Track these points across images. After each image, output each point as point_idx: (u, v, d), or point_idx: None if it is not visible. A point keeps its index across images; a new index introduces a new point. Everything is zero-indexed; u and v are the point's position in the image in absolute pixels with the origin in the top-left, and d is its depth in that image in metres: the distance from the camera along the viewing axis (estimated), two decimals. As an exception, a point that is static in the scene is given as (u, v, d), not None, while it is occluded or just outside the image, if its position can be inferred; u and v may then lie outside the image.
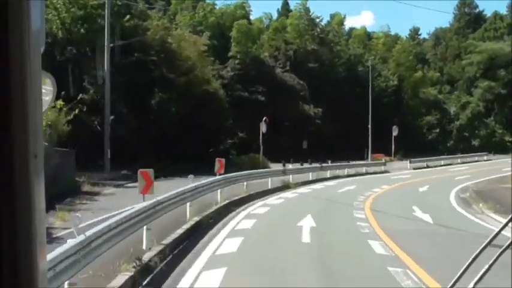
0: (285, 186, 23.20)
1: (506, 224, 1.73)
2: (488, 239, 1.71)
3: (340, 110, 57.27)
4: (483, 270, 1.70)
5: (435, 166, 45.35)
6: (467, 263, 1.72)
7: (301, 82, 54.66)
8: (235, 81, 54.83)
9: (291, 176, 24.43)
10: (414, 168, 42.23)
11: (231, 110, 52.57)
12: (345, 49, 60.89)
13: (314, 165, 29.21)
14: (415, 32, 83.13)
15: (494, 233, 1.73)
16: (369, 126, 52.52)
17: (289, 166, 25.63)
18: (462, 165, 47.65)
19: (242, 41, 54.92)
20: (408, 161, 43.04)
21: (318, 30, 60.52)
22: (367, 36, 70.68)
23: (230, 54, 54.82)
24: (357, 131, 56.89)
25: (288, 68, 56.73)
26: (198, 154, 43.07)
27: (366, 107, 54.93)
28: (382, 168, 38.41)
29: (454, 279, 1.79)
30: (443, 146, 64.49)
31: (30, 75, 0.95)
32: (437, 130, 66.38)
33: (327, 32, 60.31)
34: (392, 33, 72.94)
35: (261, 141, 34.83)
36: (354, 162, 36.25)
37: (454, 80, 73.33)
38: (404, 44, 69.63)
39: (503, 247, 1.69)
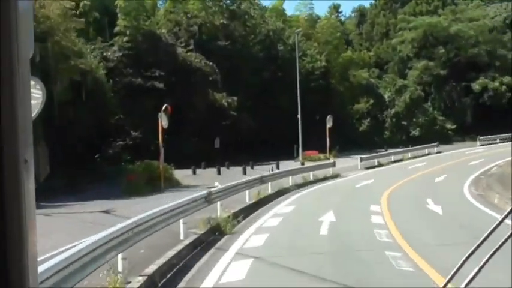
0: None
1: (502, 220, 1.68)
2: (486, 234, 1.68)
3: (261, 98, 47.94)
4: (478, 266, 1.69)
5: (387, 163, 37.05)
6: (462, 260, 1.70)
7: (210, 63, 44.44)
8: (125, 64, 43.81)
9: (219, 204, 14.07)
10: (366, 168, 33.57)
11: (120, 102, 41.88)
12: (261, 23, 51.25)
13: (253, 176, 19.11)
14: (335, 9, 75.38)
15: (491, 228, 1.68)
16: (298, 116, 43.39)
17: (216, 185, 15.22)
18: (416, 160, 39.92)
19: (132, 12, 43.83)
20: (358, 159, 34.29)
21: (228, 0, 50.48)
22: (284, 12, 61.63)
23: (116, 29, 43.57)
24: (283, 123, 47.76)
25: (192, 47, 46.32)
26: (74, 162, 32.14)
27: (291, 93, 46.01)
28: (331, 170, 29.22)
29: (448, 277, 1.78)
30: (379, 137, 56.79)
31: (19, 80, 0.97)
32: (368, 120, 58.55)
33: (238, 3, 50.33)
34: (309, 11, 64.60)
35: (160, 141, 24.34)
36: (296, 167, 26.56)
37: (382, 62, 66.13)
38: (329, 19, 61.23)
39: (500, 242, 1.67)
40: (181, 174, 31.23)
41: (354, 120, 58.82)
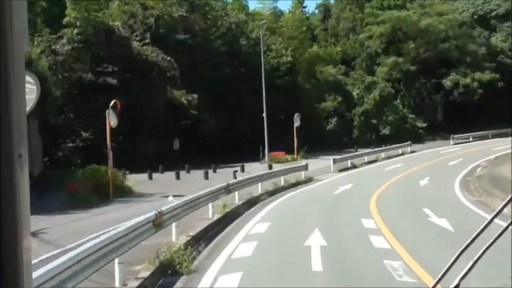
0: None
1: (492, 219, 1.70)
2: (476, 232, 1.67)
3: (223, 96, 44.93)
4: (468, 265, 1.68)
5: (361, 165, 34.59)
6: (453, 259, 1.71)
7: (168, 58, 41.12)
8: (75, 58, 40.16)
9: (174, 227, 10.84)
10: (340, 170, 30.90)
11: (70, 99, 38.23)
12: (223, 16, 48.08)
13: (217, 186, 15.86)
14: (299, 3, 72.58)
15: (483, 225, 1.67)
16: (264, 115, 40.48)
17: (170, 199, 12.03)
18: (390, 160, 37.66)
19: (83, 2, 40.15)
20: (331, 160, 31.53)
21: (187, -9, 47.22)
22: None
23: (66, 20, 39.85)
24: (247, 122, 44.85)
25: (148, 40, 42.86)
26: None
27: (255, 91, 43.09)
28: (303, 174, 26.36)
29: (439, 276, 1.78)
30: (347, 137, 54.36)
31: (14, 75, 0.98)
32: (336, 118, 56.03)
33: (198, -6, 47.14)
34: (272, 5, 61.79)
35: (108, 142, 21.01)
36: (266, 172, 23.34)
37: (349, 58, 63.77)
38: (294, 13, 58.42)
39: (490, 241, 1.68)
40: (136, 180, 27.93)
41: (322, 119, 56.21)
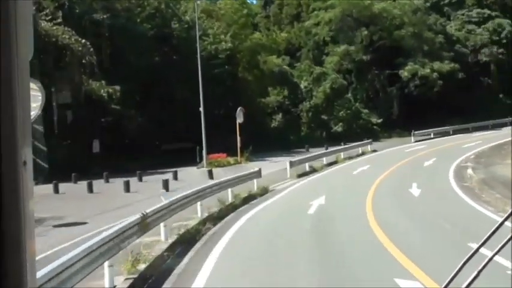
0: None
1: (502, 222, 1.67)
2: (485, 237, 1.68)
3: (152, 88, 38.15)
4: (478, 269, 1.68)
5: (322, 168, 28.93)
6: (462, 262, 1.70)
7: (83, 41, 33.99)
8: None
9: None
10: (299, 176, 24.98)
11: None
12: (150, -6, 41.28)
13: (124, 223, 9.15)
14: (237, -12, 66.32)
15: (491, 230, 1.66)
16: (201, 109, 34.03)
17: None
18: (353, 161, 32.36)
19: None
20: (288, 164, 25.60)
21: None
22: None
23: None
24: (181, 119, 38.41)
25: (59, 19, 35.43)
26: None
27: (190, 82, 36.86)
28: (255, 184, 20.11)
29: (448, 279, 1.78)
30: (295, 135, 48.69)
31: (18, 82, 0.99)
32: (281, 115, 50.23)
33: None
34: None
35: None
36: (207, 185, 16.51)
37: (293, 48, 58.10)
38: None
39: (500, 245, 1.67)
40: (38, 194, 20.67)
41: (266, 115, 50.27)
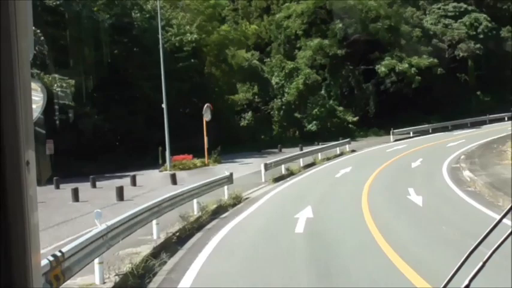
0: None
1: (500, 220, 1.70)
2: (485, 234, 1.70)
3: (109, 83, 34.58)
4: (478, 267, 1.70)
5: (299, 171, 26.02)
6: (461, 260, 1.71)
7: (33, 28, 29.90)
8: None
9: None
10: (275, 180, 22.02)
11: None
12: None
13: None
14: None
15: (489, 228, 1.70)
16: (163, 106, 30.83)
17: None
18: (332, 163, 29.66)
19: None
20: (262, 167, 22.55)
21: None
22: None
23: None
24: (142, 118, 35.15)
25: (4, 6, 31.48)
26: None
27: (153, 77, 33.67)
28: (226, 191, 16.88)
29: (448, 278, 1.79)
30: (266, 134, 45.78)
31: (20, 83, 1.00)
32: (250, 113, 47.22)
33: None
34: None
35: None
36: (168, 196, 13.09)
37: (263, 43, 55.05)
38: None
39: (498, 242, 1.68)
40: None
41: (235, 113, 47.17)
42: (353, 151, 35.54)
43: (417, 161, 27.62)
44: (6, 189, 0.97)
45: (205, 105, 33.20)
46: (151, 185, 24.58)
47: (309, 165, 28.56)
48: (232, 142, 41.32)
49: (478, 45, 55.34)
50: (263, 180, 22.55)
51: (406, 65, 46.73)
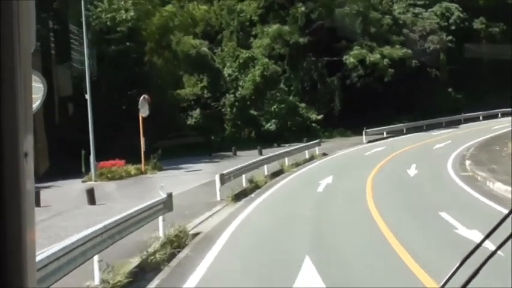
0: None
1: (504, 219, 1.70)
2: (481, 239, 1.74)
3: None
4: (478, 265, 1.71)
5: (265, 181, 19.59)
6: (463, 259, 1.72)
7: None
8: None
9: None
10: (236, 197, 15.46)
11: None
12: None
13: None
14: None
15: (487, 233, 1.72)
16: (87, 96, 23.95)
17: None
18: (305, 170, 23.91)
19: None
20: (217, 179, 15.93)
21: None
22: None
23: None
24: (62, 111, 27.90)
25: None
26: None
27: (78, 61, 26.75)
28: (161, 227, 10.03)
29: (448, 275, 1.80)
30: (218, 134, 39.47)
31: (21, 74, 0.99)
32: (198, 110, 40.70)
33: None
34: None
35: None
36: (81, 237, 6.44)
37: (213, 31, 48.50)
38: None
39: (500, 243, 1.69)
40: None
41: (181, 111, 40.51)
42: (324, 154, 29.46)
43: (411, 168, 21.83)
44: (4, 181, 0.96)
45: (142, 97, 26.46)
46: (62, 204, 17.69)
47: (276, 174, 22.25)
48: (178, 144, 34.81)
49: (450, 37, 50.51)
50: (218, 198, 16.04)
51: (378, 56, 41.07)
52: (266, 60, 40.18)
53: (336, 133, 42.62)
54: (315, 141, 30.02)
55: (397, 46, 42.89)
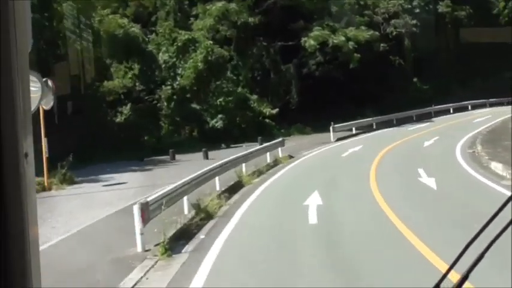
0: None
1: (507, 202, 1.62)
2: (485, 222, 1.65)
3: None
4: (479, 253, 1.64)
5: (221, 208, 12.36)
6: (467, 243, 1.67)
7: None
8: None
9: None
10: (168, 247, 8.52)
11: None
12: None
13: None
14: None
15: (491, 216, 1.64)
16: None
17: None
18: (268, 182, 17.06)
19: None
20: (138, 215, 8.85)
21: None
22: None
23: None
24: None
25: None
26: None
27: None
28: None
29: (452, 262, 1.75)
30: (152, 134, 32.48)
31: (18, 75, 0.99)
32: (129, 105, 33.62)
33: None
34: None
35: None
36: None
37: (145, 14, 41.19)
38: None
39: (502, 228, 1.63)
40: None
41: (107, 106, 33.19)
42: (291, 157, 22.84)
43: (423, 176, 15.58)
44: (5, 181, 0.95)
45: (43, 81, 19.10)
46: None
47: (233, 189, 15.47)
48: (102, 147, 27.71)
49: (414, 21, 45.02)
50: (139, 249, 9.09)
51: (342, 38, 34.76)
52: (210, 42, 33.15)
53: (294, 130, 36.22)
54: (277, 141, 23.26)
55: (363, 27, 36.70)
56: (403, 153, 22.29)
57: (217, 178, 15.46)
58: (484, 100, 48.00)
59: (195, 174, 13.84)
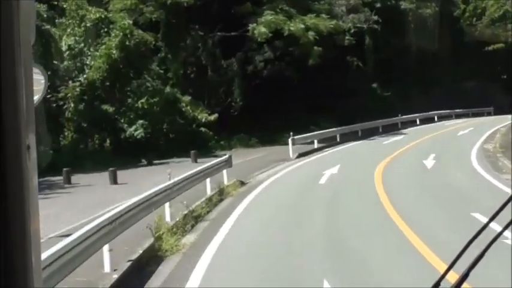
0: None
1: (509, 200, 1.60)
2: (486, 221, 1.67)
3: None
4: (480, 252, 1.63)
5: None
6: (468, 241, 1.66)
7: None
8: None
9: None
10: None
11: None
12: None
13: None
14: None
15: (492, 214, 1.65)
16: None
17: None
18: (233, 219, 9.42)
19: None
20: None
21: None
22: None
23: None
24: None
25: None
26: None
27: None
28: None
29: (451, 261, 1.74)
30: (51, 145, 24.13)
31: (22, 67, 0.97)
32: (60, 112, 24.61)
33: None
34: None
35: None
36: None
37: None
38: None
39: (501, 229, 1.64)
40: None
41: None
42: (242, 184, 15.23)
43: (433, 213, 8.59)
44: (7, 174, 0.93)
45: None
46: None
47: (141, 269, 7.64)
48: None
49: (375, 17, 38.59)
50: None
51: (301, 26, 27.50)
52: (128, 22, 25.14)
53: (236, 142, 28.74)
54: (222, 159, 15.30)
55: (324, 15, 29.61)
56: (390, 172, 15.22)
57: (153, 208, 7.58)
58: (449, 111, 42.66)
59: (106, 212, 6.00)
